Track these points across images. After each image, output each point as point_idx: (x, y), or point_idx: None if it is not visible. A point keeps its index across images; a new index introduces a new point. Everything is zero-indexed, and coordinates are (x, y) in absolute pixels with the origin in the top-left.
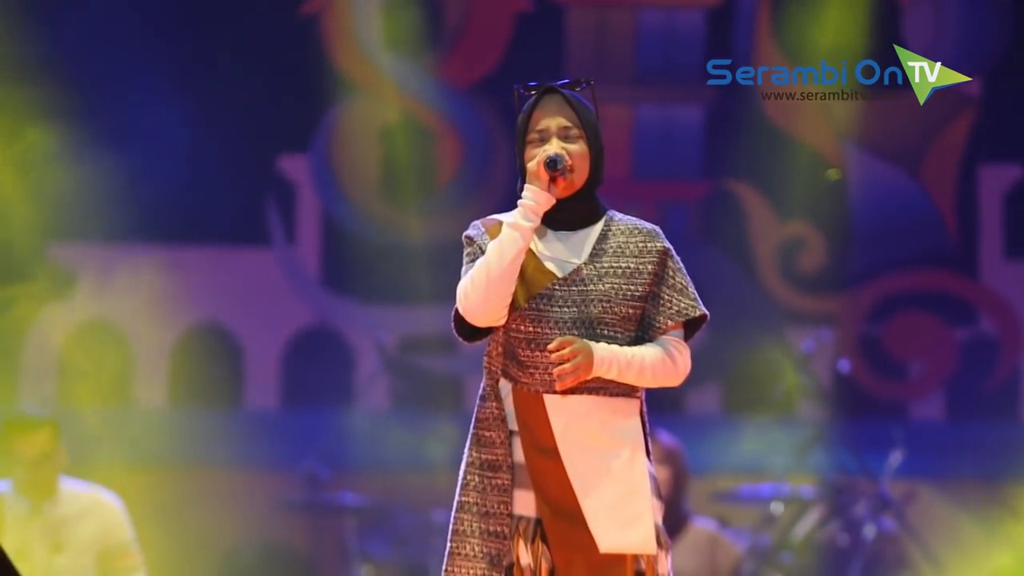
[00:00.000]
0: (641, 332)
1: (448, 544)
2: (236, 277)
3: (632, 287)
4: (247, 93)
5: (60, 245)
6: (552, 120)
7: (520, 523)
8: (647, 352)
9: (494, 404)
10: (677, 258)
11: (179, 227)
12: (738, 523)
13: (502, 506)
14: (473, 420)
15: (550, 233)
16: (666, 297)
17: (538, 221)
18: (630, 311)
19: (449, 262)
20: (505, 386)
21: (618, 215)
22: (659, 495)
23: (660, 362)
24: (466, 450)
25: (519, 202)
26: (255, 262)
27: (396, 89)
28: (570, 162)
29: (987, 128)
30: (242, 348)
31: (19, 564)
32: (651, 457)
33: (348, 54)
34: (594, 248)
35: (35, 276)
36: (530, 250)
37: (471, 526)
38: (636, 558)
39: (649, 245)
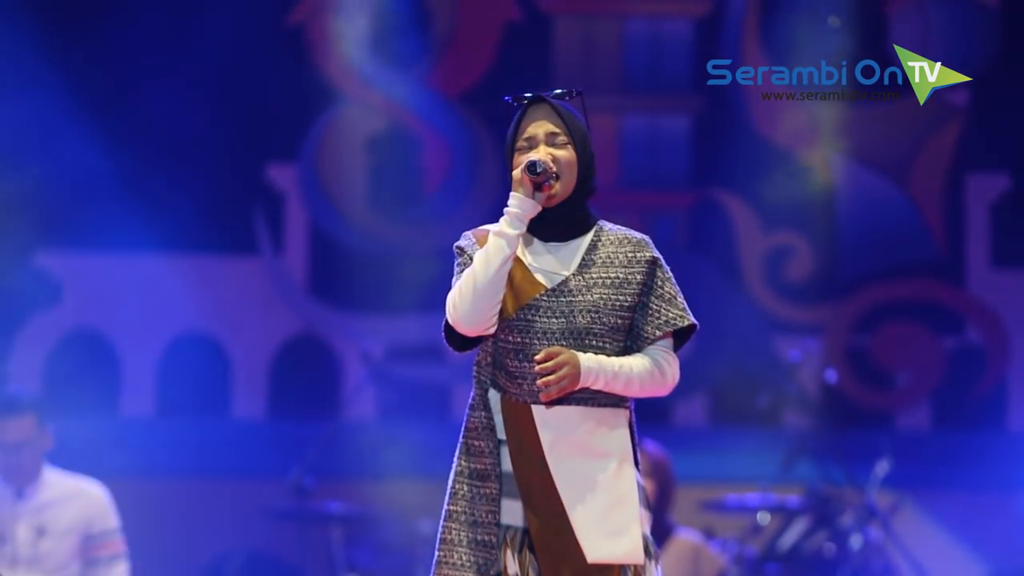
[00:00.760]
0: (630, 342)
1: (436, 553)
2: (223, 286)
3: (621, 297)
4: (234, 103)
5: (48, 253)
6: (540, 127)
7: (508, 532)
8: (635, 362)
9: (483, 413)
10: (667, 267)
11: (166, 236)
12: (724, 533)
13: (490, 515)
14: (462, 429)
15: (540, 244)
16: (655, 307)
17: (524, 228)
18: (619, 321)
19: (436, 272)
20: (494, 396)
21: (608, 225)
22: (647, 505)
23: (648, 373)
24: (455, 459)
25: (505, 210)
26: (242, 271)
27: (384, 99)
28: (554, 168)
29: (974, 138)
30: (229, 357)
31: (2, 547)
32: (639, 467)
33: (335, 64)
34: (583, 259)
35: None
36: (519, 261)
37: (459, 535)
38: (624, 568)
39: (638, 255)
